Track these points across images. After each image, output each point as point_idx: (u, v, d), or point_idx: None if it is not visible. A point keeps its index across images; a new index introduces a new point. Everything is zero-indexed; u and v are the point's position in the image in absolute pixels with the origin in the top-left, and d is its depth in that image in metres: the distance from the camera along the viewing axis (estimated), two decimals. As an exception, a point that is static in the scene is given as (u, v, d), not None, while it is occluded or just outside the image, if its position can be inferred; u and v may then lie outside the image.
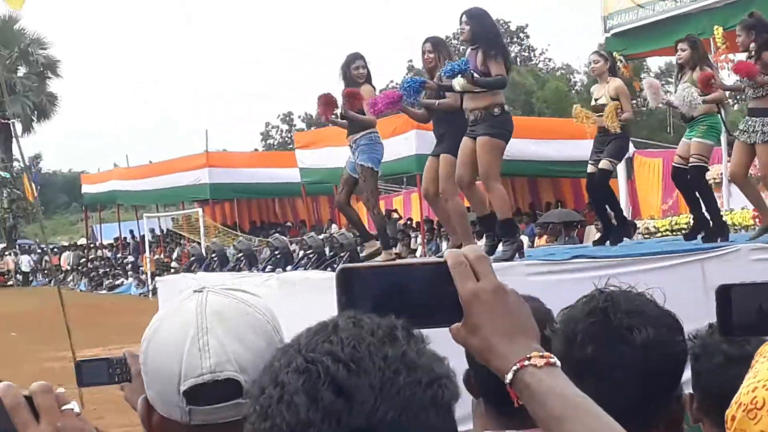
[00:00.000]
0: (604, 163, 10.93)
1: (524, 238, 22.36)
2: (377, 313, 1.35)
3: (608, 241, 11.41)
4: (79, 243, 50.18)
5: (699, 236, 10.40)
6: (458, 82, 8.85)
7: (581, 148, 18.97)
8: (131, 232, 43.23)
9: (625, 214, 14.79)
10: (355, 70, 10.37)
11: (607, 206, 11.53)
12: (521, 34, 70.60)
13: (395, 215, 30.00)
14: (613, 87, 11.02)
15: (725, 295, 1.66)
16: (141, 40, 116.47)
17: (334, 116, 10.33)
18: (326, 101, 10.37)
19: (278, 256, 10.43)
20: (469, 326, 1.48)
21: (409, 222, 28.72)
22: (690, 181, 10.54)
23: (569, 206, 26.05)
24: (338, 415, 1.21)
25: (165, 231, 40.91)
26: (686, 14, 16.12)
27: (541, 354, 1.46)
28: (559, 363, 1.47)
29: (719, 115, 10.70)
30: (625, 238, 11.25)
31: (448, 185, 9.65)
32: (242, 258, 12.41)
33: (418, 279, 1.50)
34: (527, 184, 28.41)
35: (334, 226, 28.99)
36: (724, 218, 10.93)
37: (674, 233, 15.78)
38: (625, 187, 19.00)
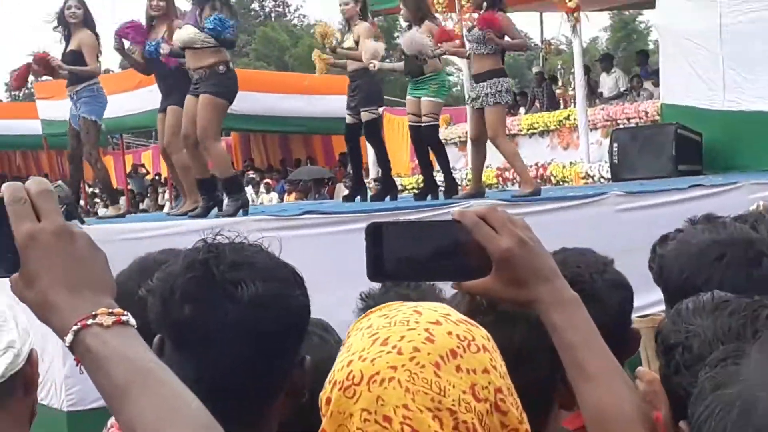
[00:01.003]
0: (365, 115, 10.82)
1: (274, 195, 22.39)
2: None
3: (358, 197, 11.40)
4: None
5: (428, 196, 10.53)
6: None
7: (333, 104, 19.09)
8: None
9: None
10: (68, 10, 9.97)
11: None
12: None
13: (142, 170, 29.44)
14: (361, 29, 10.80)
15: (376, 234, 1.53)
16: None
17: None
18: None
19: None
20: (25, 276, 1.24)
21: (157, 177, 28.20)
22: (426, 140, 10.61)
23: (320, 164, 26.12)
24: None
25: None
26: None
27: (110, 311, 1.23)
28: (133, 322, 1.25)
29: (444, 73, 10.78)
30: (388, 198, 11.17)
31: (173, 139, 9.42)
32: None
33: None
34: (278, 140, 28.32)
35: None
36: (454, 177, 11.05)
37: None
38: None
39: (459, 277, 1.60)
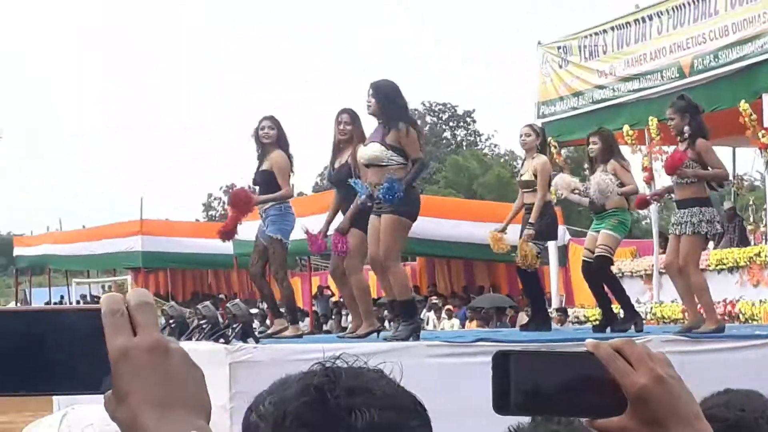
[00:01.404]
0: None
1: (455, 321, 22.36)
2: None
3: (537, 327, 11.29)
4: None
5: (608, 329, 10.30)
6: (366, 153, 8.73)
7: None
8: (62, 297, 42.63)
9: (557, 301, 14.79)
10: (261, 131, 10.21)
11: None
12: (468, 119, 71.31)
13: (327, 292, 29.78)
14: (537, 163, 10.78)
15: (503, 363, 1.45)
16: (76, 101, 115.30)
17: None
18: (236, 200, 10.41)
19: (173, 325, 10.19)
20: (116, 394, 1.18)
21: (341, 299, 28.46)
22: (595, 273, 10.46)
23: (503, 291, 25.99)
24: None
25: (95, 299, 40.42)
26: (622, 104, 16.26)
27: None
28: None
29: (628, 211, 10.66)
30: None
31: (353, 261, 9.50)
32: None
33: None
34: (463, 266, 28.34)
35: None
36: (635, 308, 10.82)
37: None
38: (557, 274, 18.98)
39: (592, 414, 1.49)
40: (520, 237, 10.77)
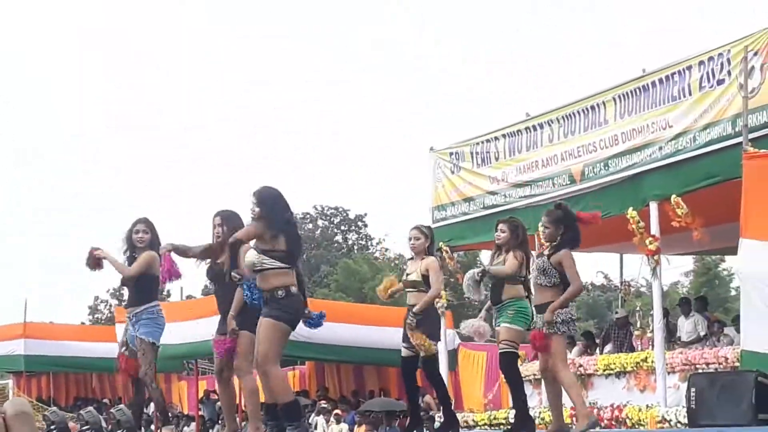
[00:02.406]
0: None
1: (344, 426, 22.12)
2: None
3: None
4: None
5: None
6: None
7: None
8: (-61, 402, 41.42)
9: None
10: (135, 234, 10.28)
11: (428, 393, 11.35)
12: (359, 222, 71.53)
13: (214, 396, 29.34)
14: (428, 263, 10.83)
15: None
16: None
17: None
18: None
19: (54, 431, 9.92)
20: None
21: (227, 403, 28.04)
22: (501, 369, 10.45)
23: (393, 395, 25.85)
24: None
25: (-26, 402, 39.36)
26: (513, 210, 16.41)
27: None
28: None
29: (526, 300, 10.59)
30: None
31: (242, 362, 9.40)
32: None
33: None
34: (352, 370, 28.24)
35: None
36: (528, 411, 10.78)
37: (492, 427, 15.69)
38: (447, 379, 18.91)
39: None
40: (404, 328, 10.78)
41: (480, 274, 10.37)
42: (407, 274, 10.99)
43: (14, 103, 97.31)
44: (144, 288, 10.18)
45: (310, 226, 69.04)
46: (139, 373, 10.02)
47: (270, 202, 8.80)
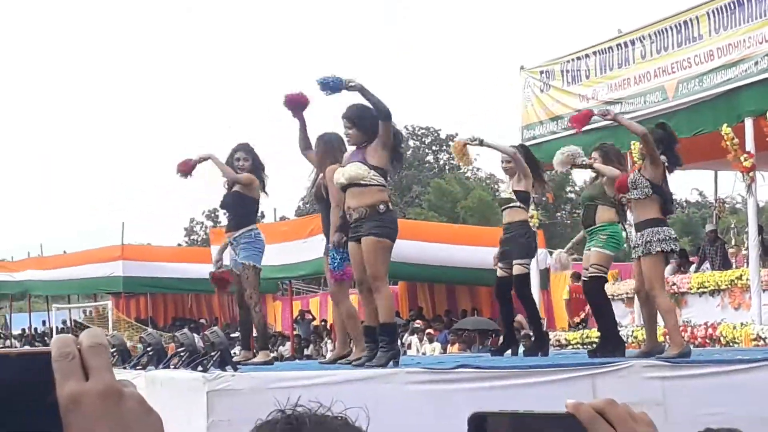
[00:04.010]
0: (516, 268, 10.73)
1: (437, 345, 22.28)
2: None
3: (509, 351, 11.21)
4: (-11, 332, 49.15)
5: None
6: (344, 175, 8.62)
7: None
8: (43, 323, 42.44)
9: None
10: (236, 162, 10.23)
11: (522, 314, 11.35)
12: (450, 143, 71.30)
13: (309, 316, 29.75)
14: (515, 178, 10.87)
15: (479, 425, 1.34)
16: (55, 127, 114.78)
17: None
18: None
19: (150, 353, 10.10)
20: None
21: (323, 324, 28.43)
22: (587, 294, 10.38)
23: (485, 315, 25.94)
24: None
25: (75, 323, 40.25)
26: (602, 128, 16.22)
27: None
28: None
29: (620, 225, 10.47)
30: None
31: (337, 288, 9.49)
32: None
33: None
34: (445, 290, 28.33)
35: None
36: (619, 333, 10.73)
37: (585, 346, 15.68)
38: (539, 298, 18.93)
39: None
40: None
41: (582, 161, 10.40)
42: (499, 193, 11.01)
43: None
44: (242, 212, 10.17)
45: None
46: (245, 296, 10.09)
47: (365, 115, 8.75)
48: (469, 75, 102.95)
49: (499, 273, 10.99)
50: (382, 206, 8.51)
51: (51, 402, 1.10)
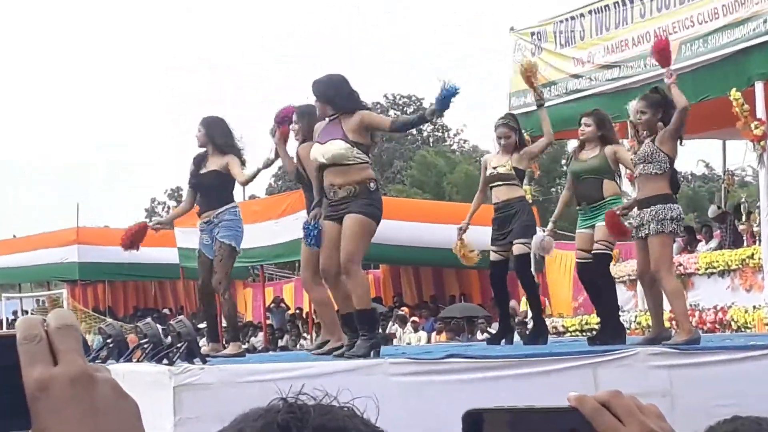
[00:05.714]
0: (518, 247, 10.67)
1: (423, 334, 22.27)
2: None
3: (503, 340, 11.20)
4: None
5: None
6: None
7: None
8: (-7, 313, 42.35)
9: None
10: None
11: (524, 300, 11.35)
12: (450, 141, 70.98)
13: (283, 304, 29.66)
14: (518, 155, 10.85)
15: (475, 423, 1.34)
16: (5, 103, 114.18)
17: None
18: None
19: (110, 345, 10.06)
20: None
21: (298, 312, 28.38)
22: (594, 269, 10.28)
23: (475, 301, 25.96)
24: None
25: (26, 314, 40.12)
26: (599, 94, 16.22)
27: None
28: None
29: (624, 200, 10.45)
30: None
31: (307, 273, 9.44)
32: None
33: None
34: (431, 274, 28.29)
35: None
36: (620, 318, 10.73)
37: (584, 333, 15.71)
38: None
39: None
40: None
41: None
42: (494, 168, 10.86)
43: None
44: (225, 193, 10.15)
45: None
46: (213, 281, 10.00)
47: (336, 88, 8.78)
48: (454, 38, 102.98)
49: (494, 257, 10.90)
50: (372, 184, 8.59)
51: (17, 388, 1.09)
